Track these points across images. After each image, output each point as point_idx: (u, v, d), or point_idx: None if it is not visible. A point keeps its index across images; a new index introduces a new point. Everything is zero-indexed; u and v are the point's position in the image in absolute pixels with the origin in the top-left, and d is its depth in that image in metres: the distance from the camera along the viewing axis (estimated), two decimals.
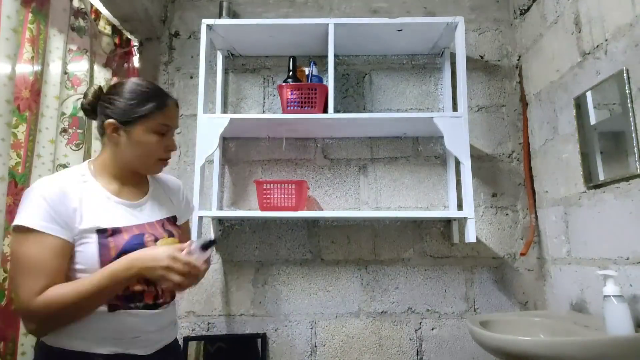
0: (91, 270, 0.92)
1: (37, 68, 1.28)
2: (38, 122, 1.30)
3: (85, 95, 1.07)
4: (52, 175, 1.02)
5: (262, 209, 1.67)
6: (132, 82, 1.05)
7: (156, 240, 1.01)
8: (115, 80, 1.78)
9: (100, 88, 1.07)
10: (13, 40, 1.15)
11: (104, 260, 0.93)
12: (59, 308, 0.88)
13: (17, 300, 0.91)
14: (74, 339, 0.92)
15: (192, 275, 0.93)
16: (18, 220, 0.90)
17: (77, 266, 0.93)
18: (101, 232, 0.95)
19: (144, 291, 0.99)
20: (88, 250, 0.93)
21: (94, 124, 1.60)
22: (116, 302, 0.95)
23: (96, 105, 1.05)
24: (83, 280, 0.91)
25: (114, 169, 1.05)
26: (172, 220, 1.14)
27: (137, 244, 0.97)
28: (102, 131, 1.04)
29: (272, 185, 1.67)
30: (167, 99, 1.06)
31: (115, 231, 0.97)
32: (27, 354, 1.21)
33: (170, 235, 1.07)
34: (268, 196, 1.67)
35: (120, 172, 1.05)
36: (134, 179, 1.08)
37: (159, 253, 0.92)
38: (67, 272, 0.94)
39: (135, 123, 1.01)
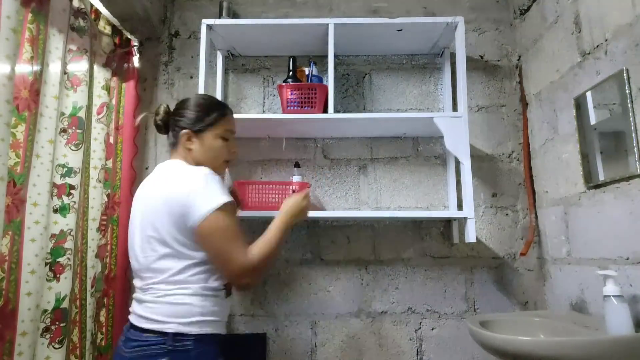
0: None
1: (37, 68, 1.27)
2: (37, 122, 1.30)
3: (156, 112, 1.27)
4: (193, 167, 1.17)
5: (243, 208, 1.72)
6: (197, 97, 1.27)
7: None
8: (115, 80, 1.78)
9: (167, 106, 1.28)
10: (12, 40, 1.15)
11: None
12: (267, 256, 1.13)
13: (235, 263, 1.09)
14: (208, 325, 1.11)
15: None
16: (219, 200, 1.08)
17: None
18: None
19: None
20: None
21: (94, 124, 1.62)
22: (227, 289, 1.19)
23: (168, 121, 1.25)
24: (268, 233, 1.18)
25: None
26: None
27: None
28: (175, 141, 1.23)
29: (252, 186, 1.73)
30: (226, 109, 1.28)
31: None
32: (24, 354, 1.20)
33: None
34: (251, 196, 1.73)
35: None
36: None
37: (290, 201, 1.31)
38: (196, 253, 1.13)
39: (205, 130, 1.22)
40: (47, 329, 1.31)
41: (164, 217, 1.10)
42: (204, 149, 1.21)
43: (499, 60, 1.98)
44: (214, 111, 1.24)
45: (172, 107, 1.30)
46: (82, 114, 1.49)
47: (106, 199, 1.68)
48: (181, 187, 1.10)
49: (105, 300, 1.67)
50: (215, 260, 1.11)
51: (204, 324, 1.11)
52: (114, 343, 1.65)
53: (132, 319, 1.13)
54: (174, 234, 1.10)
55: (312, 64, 1.82)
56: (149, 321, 1.09)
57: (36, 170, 1.30)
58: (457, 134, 1.63)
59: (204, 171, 1.13)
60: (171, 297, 1.10)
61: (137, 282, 1.18)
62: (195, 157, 1.22)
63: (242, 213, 1.70)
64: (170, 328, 1.06)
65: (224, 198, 1.09)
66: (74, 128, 1.46)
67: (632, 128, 1.21)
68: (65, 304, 1.35)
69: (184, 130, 1.20)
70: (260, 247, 1.13)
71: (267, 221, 1.88)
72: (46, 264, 1.33)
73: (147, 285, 1.13)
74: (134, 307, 1.15)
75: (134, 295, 1.18)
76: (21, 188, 1.21)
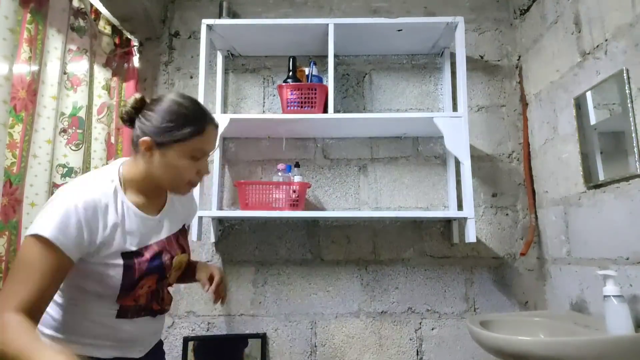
0: (109, 292, 0.93)
1: (35, 68, 1.27)
2: (34, 122, 1.30)
3: (125, 104, 1.05)
4: (86, 184, 0.95)
5: (242, 208, 1.71)
6: (172, 101, 0.98)
7: (172, 258, 1.04)
8: (115, 80, 1.77)
9: (142, 99, 1.01)
10: (10, 41, 1.15)
11: (126, 283, 0.93)
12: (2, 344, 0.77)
13: None
14: (74, 344, 0.92)
15: None
16: (36, 229, 0.84)
17: (105, 279, 0.92)
18: (126, 255, 0.94)
19: (150, 303, 1.02)
20: (114, 271, 0.92)
21: (94, 124, 1.62)
22: (126, 313, 0.97)
23: (134, 116, 1.00)
24: (32, 344, 0.77)
25: (142, 182, 1.00)
26: (183, 229, 1.14)
27: (157, 265, 0.99)
28: (135, 144, 0.99)
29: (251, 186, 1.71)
30: (206, 124, 0.99)
31: (138, 252, 0.96)
32: None
33: (183, 250, 1.10)
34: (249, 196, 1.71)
35: (147, 186, 1.01)
36: (157, 191, 1.05)
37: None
38: (67, 286, 0.94)
39: (170, 146, 0.96)
40: None
41: None
42: (162, 166, 0.97)
43: (499, 60, 1.98)
44: (189, 124, 0.96)
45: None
46: (82, 114, 1.49)
47: None
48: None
49: None
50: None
51: (50, 337, 0.93)
52: None
53: None
54: None
55: (312, 64, 1.82)
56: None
57: (33, 170, 1.30)
58: (457, 134, 1.63)
59: (67, 195, 0.90)
60: None
61: None
62: (150, 171, 0.98)
63: (242, 213, 1.70)
64: None
65: (48, 231, 0.83)
66: (74, 128, 1.46)
67: (632, 128, 1.21)
68: None
69: (144, 138, 0.95)
70: (14, 338, 0.77)
71: (266, 221, 1.90)
72: None
73: None
74: None
75: None
76: (17, 188, 1.21)
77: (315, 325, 1.81)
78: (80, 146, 1.47)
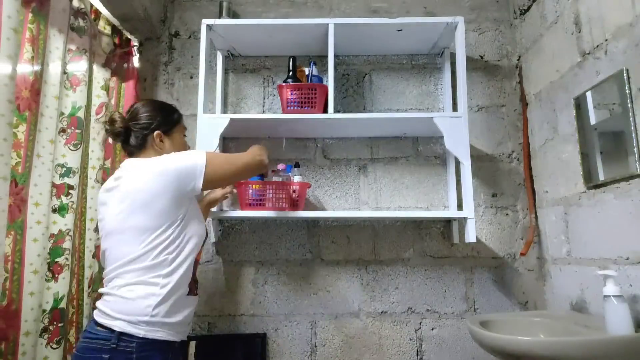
0: (202, 237, 1.24)
1: (37, 68, 1.27)
2: (38, 122, 1.30)
3: (112, 121, 1.23)
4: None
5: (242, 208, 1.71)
6: (148, 102, 1.31)
7: None
8: (114, 80, 1.77)
9: (121, 113, 1.27)
10: (14, 40, 1.15)
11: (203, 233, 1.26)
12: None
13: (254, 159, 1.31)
14: (158, 328, 1.06)
15: None
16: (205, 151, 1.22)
17: (199, 228, 1.22)
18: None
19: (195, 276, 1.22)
20: (201, 218, 1.26)
21: (92, 124, 1.62)
22: (193, 285, 1.18)
23: (128, 126, 1.24)
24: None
25: None
26: None
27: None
28: (141, 144, 1.24)
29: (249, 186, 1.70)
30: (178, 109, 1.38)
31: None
32: (27, 354, 1.21)
33: None
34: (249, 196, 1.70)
35: None
36: None
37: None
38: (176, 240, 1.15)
39: (172, 130, 1.30)
40: (45, 329, 1.31)
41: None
42: (175, 148, 1.28)
43: (499, 60, 1.98)
44: (174, 112, 1.33)
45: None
46: (81, 114, 1.49)
47: None
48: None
49: None
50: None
51: (153, 326, 1.05)
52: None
53: (94, 312, 1.11)
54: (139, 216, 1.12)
55: (312, 64, 1.82)
56: (102, 314, 1.07)
57: (37, 170, 1.30)
58: (457, 134, 1.63)
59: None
60: (124, 290, 1.07)
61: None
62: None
63: (242, 213, 1.70)
64: (116, 326, 1.03)
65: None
66: (73, 128, 1.46)
67: (632, 128, 1.21)
68: (63, 304, 1.35)
69: (157, 132, 1.25)
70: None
71: (266, 221, 1.90)
72: (45, 264, 1.33)
73: (109, 277, 1.13)
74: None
75: None
76: (23, 188, 1.21)
77: (315, 325, 1.81)
78: (79, 146, 1.46)
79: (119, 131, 1.23)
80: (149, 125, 1.24)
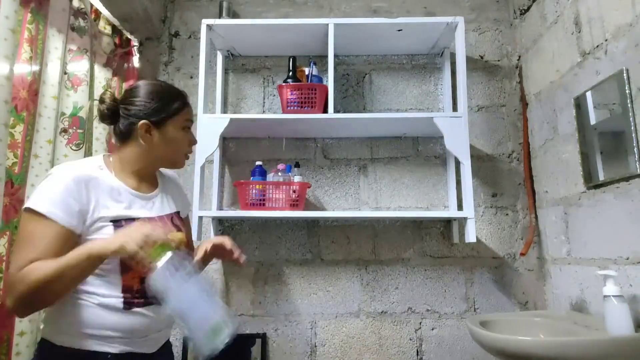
0: (108, 265, 0.94)
1: (35, 68, 1.28)
2: (35, 122, 1.30)
3: (101, 100, 1.07)
4: (71, 162, 1.03)
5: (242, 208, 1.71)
6: (149, 84, 1.09)
7: (166, 234, 1.01)
8: (115, 80, 1.78)
9: (113, 93, 1.10)
10: (11, 41, 1.15)
11: None
12: (35, 280, 0.84)
13: (9, 270, 0.90)
14: (84, 338, 0.92)
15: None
16: (29, 203, 0.91)
17: None
18: (116, 222, 0.97)
19: None
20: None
21: (95, 124, 1.62)
22: (131, 299, 0.96)
23: (117, 109, 1.06)
24: (65, 256, 0.87)
25: (135, 166, 1.07)
26: (178, 215, 1.17)
27: None
28: (126, 133, 1.06)
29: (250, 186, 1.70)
30: (186, 97, 1.13)
31: (129, 221, 0.98)
32: (21, 354, 1.20)
33: (179, 229, 1.11)
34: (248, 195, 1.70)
35: (141, 169, 1.08)
36: (148, 176, 1.12)
37: (140, 224, 0.92)
38: None
39: (166, 122, 1.06)
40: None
41: None
42: (163, 142, 1.06)
43: (499, 60, 1.98)
44: (176, 99, 1.08)
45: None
46: (82, 113, 1.49)
47: None
48: None
49: None
50: None
51: (53, 331, 0.95)
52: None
53: None
54: None
55: (312, 64, 1.82)
56: None
57: (35, 170, 1.30)
58: (457, 134, 1.63)
59: (53, 171, 0.96)
60: None
61: None
62: (153, 151, 1.06)
63: (242, 213, 1.70)
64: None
65: (41, 206, 0.89)
66: (74, 128, 1.46)
67: (632, 128, 1.21)
68: None
69: (143, 121, 1.03)
70: (36, 268, 0.85)
71: (266, 221, 1.90)
72: None
73: None
74: None
75: None
76: (19, 188, 1.21)
77: (315, 325, 1.81)
78: (81, 146, 1.47)
79: (105, 113, 1.06)
80: (139, 112, 1.04)
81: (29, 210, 0.90)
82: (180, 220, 1.16)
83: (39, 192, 0.92)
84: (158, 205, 1.10)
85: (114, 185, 1.01)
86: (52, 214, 0.89)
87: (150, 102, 1.05)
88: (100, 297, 0.94)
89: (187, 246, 1.12)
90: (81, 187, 0.94)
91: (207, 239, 1.23)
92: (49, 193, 0.91)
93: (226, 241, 1.18)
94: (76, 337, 0.92)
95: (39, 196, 0.91)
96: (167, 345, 1.12)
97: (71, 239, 0.92)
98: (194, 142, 1.14)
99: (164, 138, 1.06)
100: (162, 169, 1.20)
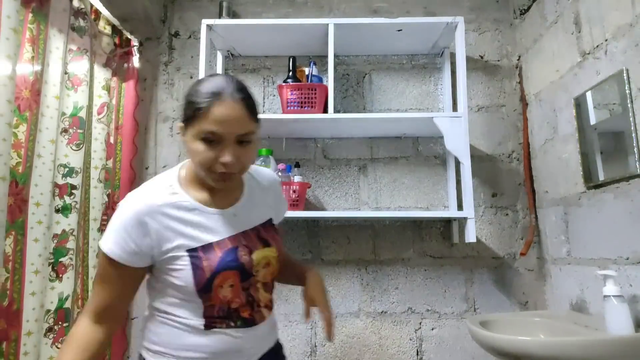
0: (189, 287, 0.89)
1: (37, 68, 1.28)
2: (38, 122, 1.30)
3: None
4: (141, 190, 0.93)
5: None
6: (197, 82, 0.93)
7: (251, 252, 0.94)
8: (115, 80, 1.78)
9: None
10: (13, 40, 1.15)
11: (199, 282, 0.88)
12: (62, 347, 0.90)
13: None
14: (173, 357, 0.90)
15: None
16: (103, 246, 0.88)
17: (176, 281, 0.89)
18: (192, 251, 0.89)
19: (240, 306, 0.93)
20: (182, 271, 0.89)
21: (94, 124, 1.62)
22: (213, 320, 0.91)
23: None
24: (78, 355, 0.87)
25: (197, 176, 0.94)
26: (269, 224, 1.04)
27: (230, 260, 0.91)
28: None
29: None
30: (213, 100, 0.85)
31: (207, 248, 0.90)
32: (29, 354, 1.21)
33: (266, 244, 0.99)
34: None
35: (202, 179, 0.94)
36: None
37: None
38: (157, 284, 0.94)
39: (187, 127, 0.90)
40: (50, 329, 1.32)
41: None
42: (187, 151, 0.91)
43: (499, 60, 1.98)
44: (194, 102, 0.87)
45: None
46: (82, 114, 1.49)
47: (107, 199, 1.68)
48: None
49: None
50: None
51: (150, 353, 0.94)
52: (115, 343, 1.65)
53: None
54: None
55: (312, 64, 1.82)
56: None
57: (38, 170, 1.30)
58: (457, 134, 1.63)
59: (122, 205, 0.91)
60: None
61: None
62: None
63: None
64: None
65: (104, 244, 0.88)
66: (75, 128, 1.47)
67: (632, 128, 1.21)
68: (67, 304, 1.35)
69: (179, 123, 0.93)
70: (65, 346, 0.89)
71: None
72: (49, 264, 1.33)
73: None
74: None
75: None
76: (23, 188, 1.21)
77: (315, 325, 1.81)
78: (81, 146, 1.47)
79: None
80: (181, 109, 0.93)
81: (102, 251, 0.89)
82: (269, 230, 1.03)
83: (108, 226, 0.90)
84: (242, 219, 0.98)
85: (185, 207, 0.92)
86: (112, 252, 0.87)
87: (183, 100, 0.91)
88: (184, 321, 0.92)
89: (279, 257, 1.01)
90: (143, 222, 0.88)
91: (312, 289, 1.12)
92: (111, 230, 0.88)
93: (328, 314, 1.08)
94: (162, 357, 0.92)
95: (106, 232, 0.89)
96: (274, 350, 1.05)
97: (137, 273, 0.91)
98: (223, 160, 0.87)
99: (186, 145, 0.91)
100: (254, 171, 1.08)
